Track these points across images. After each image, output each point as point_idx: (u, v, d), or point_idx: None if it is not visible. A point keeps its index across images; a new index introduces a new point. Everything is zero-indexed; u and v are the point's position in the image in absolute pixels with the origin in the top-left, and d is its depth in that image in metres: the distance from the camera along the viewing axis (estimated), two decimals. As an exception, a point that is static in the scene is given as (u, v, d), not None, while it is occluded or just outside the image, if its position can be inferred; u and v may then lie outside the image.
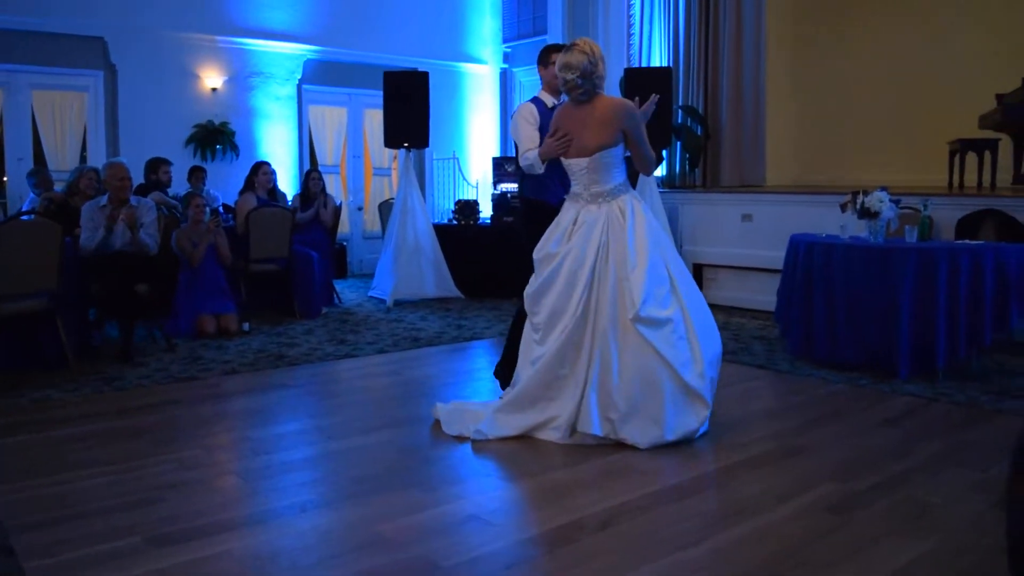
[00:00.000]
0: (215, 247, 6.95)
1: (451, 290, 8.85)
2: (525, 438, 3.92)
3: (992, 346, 5.38)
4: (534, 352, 4.03)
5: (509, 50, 12.40)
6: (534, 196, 4.60)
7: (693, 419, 3.85)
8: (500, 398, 4.36)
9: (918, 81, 8.56)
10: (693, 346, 3.87)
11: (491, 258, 8.91)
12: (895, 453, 3.75)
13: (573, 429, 3.87)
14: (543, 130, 4.47)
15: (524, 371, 4.07)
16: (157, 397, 4.80)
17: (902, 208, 5.63)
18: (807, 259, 5.62)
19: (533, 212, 4.56)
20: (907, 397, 4.75)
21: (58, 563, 2.62)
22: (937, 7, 8.56)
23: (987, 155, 7.18)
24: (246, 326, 6.84)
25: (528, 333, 4.12)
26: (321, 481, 3.47)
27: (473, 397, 4.83)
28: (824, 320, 5.48)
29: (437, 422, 4.19)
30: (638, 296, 3.79)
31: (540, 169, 4.34)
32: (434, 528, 2.93)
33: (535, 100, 4.70)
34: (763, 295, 7.44)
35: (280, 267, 7.57)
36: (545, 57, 4.73)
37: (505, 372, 4.59)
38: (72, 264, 5.67)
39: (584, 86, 3.96)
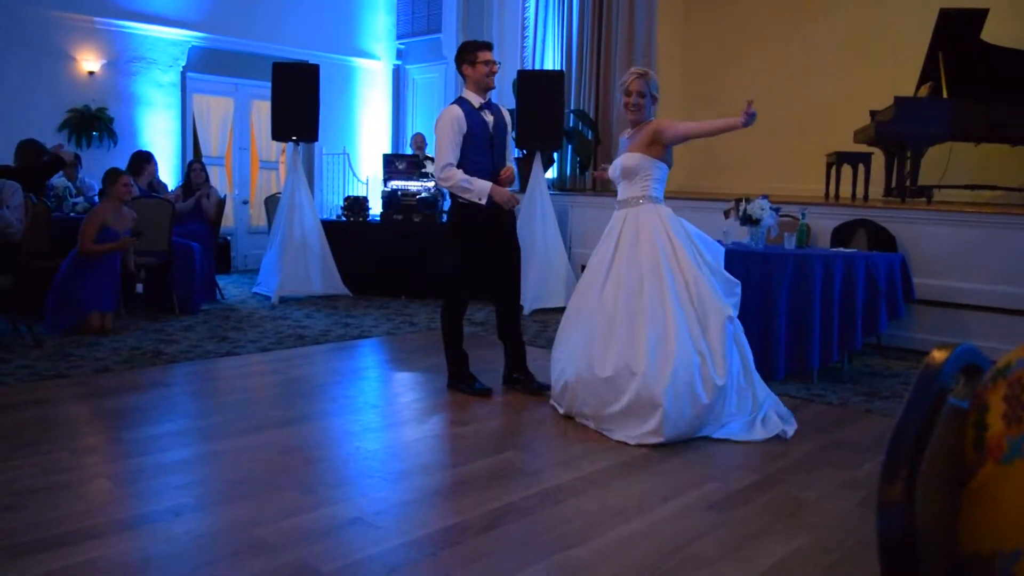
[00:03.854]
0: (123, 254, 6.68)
1: (338, 287, 8.69)
2: (410, 437, 3.87)
3: (863, 349, 5.65)
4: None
5: (403, 47, 12.25)
6: None
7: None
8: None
9: (799, 96, 8.93)
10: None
11: (380, 256, 8.80)
12: (772, 452, 3.87)
13: None
14: (472, 132, 4.40)
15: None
16: (19, 396, 4.51)
17: (782, 216, 5.83)
18: (692, 263, 5.74)
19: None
20: (784, 398, 4.89)
21: (-99, 575, 2.43)
22: (818, 28, 8.95)
23: (861, 168, 7.54)
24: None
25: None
26: (197, 484, 3.32)
27: (359, 396, 4.74)
28: (707, 323, 5.61)
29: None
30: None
31: (459, 189, 4.42)
32: (315, 531, 2.84)
33: (460, 101, 4.51)
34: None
35: (158, 260, 7.25)
36: (471, 55, 4.50)
37: (514, 372, 4.79)
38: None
39: None
